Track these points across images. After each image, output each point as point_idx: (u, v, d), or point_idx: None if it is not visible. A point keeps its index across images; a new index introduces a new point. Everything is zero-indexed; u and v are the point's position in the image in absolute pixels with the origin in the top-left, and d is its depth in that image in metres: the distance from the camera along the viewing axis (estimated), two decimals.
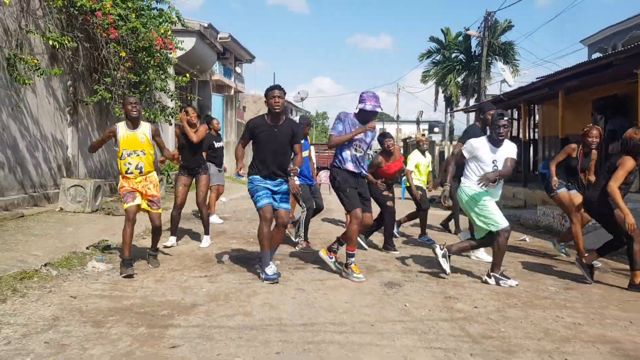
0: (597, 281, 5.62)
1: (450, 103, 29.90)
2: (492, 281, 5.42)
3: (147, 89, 10.90)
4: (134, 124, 5.54)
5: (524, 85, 15.07)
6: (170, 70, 12.40)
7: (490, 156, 5.48)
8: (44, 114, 9.25)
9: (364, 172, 5.78)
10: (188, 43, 15.91)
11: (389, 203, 7.32)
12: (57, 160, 9.72)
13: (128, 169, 5.51)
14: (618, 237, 5.55)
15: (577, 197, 6.49)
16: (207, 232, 7.30)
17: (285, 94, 5.46)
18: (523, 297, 4.93)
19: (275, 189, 5.44)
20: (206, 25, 25.21)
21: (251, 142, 5.54)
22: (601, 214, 5.59)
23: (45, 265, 5.32)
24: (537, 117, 18.23)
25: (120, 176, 5.68)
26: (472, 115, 23.35)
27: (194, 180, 7.14)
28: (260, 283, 5.16)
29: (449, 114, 31.30)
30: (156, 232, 5.85)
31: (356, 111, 5.67)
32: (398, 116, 45.94)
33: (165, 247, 6.95)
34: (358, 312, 4.31)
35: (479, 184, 5.32)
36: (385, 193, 7.30)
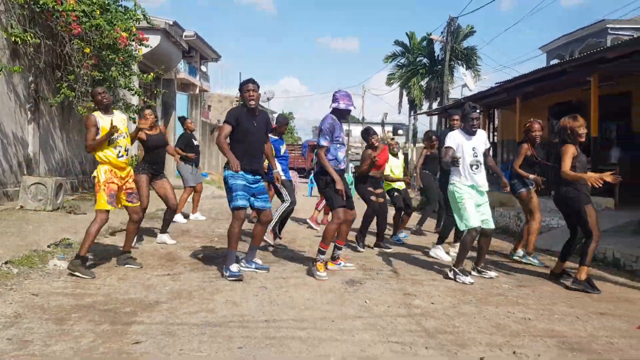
0: (549, 279, 5.90)
1: (414, 106, 30.39)
2: (451, 274, 5.66)
3: (111, 86, 10.79)
4: (106, 111, 5.52)
5: (484, 90, 15.52)
6: (135, 67, 12.30)
7: (469, 145, 5.84)
8: (4, 110, 9.09)
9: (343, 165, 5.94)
10: (153, 41, 15.71)
11: (372, 198, 7.44)
12: (18, 157, 9.55)
13: (119, 152, 5.47)
14: (574, 236, 5.87)
15: (534, 195, 6.87)
16: (163, 232, 7.33)
17: (259, 87, 5.56)
18: (478, 294, 5.14)
19: (253, 186, 5.52)
20: (171, 22, 24.93)
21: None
22: (571, 210, 5.79)
23: (6, 263, 5.26)
24: (496, 121, 18.74)
25: (103, 169, 5.42)
26: (435, 118, 23.82)
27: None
28: (224, 281, 5.23)
29: (412, 117, 31.84)
30: (132, 227, 5.78)
31: (330, 110, 5.82)
32: (363, 118, 46.33)
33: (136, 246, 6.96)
34: (319, 309, 4.43)
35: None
36: (370, 189, 7.43)
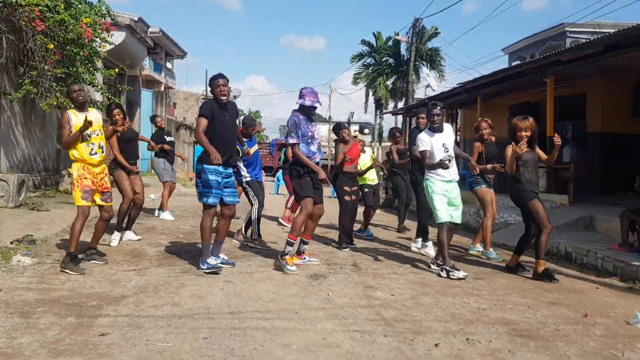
0: (505, 272, 6.16)
1: (380, 105, 30.78)
2: (444, 274, 5.81)
3: (76, 81, 10.68)
4: (81, 109, 5.56)
5: (447, 91, 15.87)
6: (99, 64, 12.19)
7: (439, 142, 6.06)
8: None
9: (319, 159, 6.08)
10: (118, 37, 15.56)
11: (346, 197, 7.58)
12: None
13: (92, 149, 5.50)
14: (528, 231, 6.14)
15: (491, 193, 7.16)
16: (128, 228, 7.27)
17: (228, 81, 5.64)
18: (436, 286, 5.35)
19: (225, 180, 5.62)
20: (136, 18, 24.61)
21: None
22: (520, 206, 6.14)
23: None
24: (459, 122, 19.18)
25: (77, 166, 5.48)
26: (400, 117, 24.17)
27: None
28: (190, 276, 5.31)
29: (378, 116, 32.23)
30: (102, 224, 5.79)
31: (296, 107, 5.95)
32: (330, 117, 46.52)
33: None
34: (283, 301, 4.56)
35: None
36: (346, 188, 7.57)
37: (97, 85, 11.32)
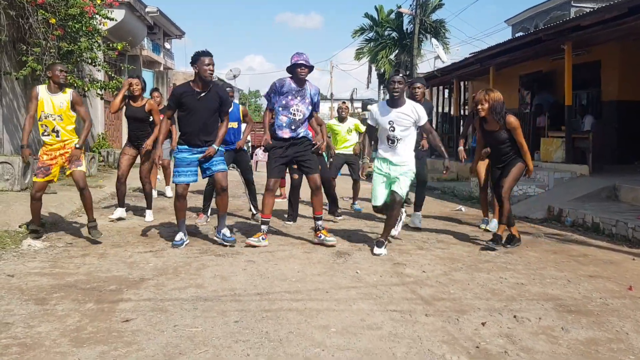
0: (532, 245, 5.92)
1: (383, 80, 30.19)
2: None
3: (78, 60, 10.34)
4: (56, 88, 5.44)
5: (458, 61, 15.48)
6: (100, 42, 11.84)
7: (385, 118, 5.42)
8: None
9: (302, 133, 5.69)
10: (117, 15, 15.14)
11: (294, 175, 7.20)
12: None
13: (45, 131, 5.42)
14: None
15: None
16: (149, 207, 7.13)
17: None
18: (467, 261, 5.11)
19: (201, 155, 5.40)
20: None
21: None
22: None
23: None
24: (467, 94, 18.81)
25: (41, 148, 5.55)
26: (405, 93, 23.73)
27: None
28: (209, 256, 5.07)
29: (382, 91, 31.77)
30: (83, 195, 5.61)
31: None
32: (332, 94, 46.09)
33: (111, 220, 6.77)
34: (311, 280, 4.32)
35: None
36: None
37: (99, 64, 10.99)
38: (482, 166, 6.89)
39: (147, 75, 22.51)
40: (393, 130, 5.41)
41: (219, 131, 5.48)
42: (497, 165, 5.92)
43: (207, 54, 5.31)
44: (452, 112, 18.99)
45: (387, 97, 5.63)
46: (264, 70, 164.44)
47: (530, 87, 14.83)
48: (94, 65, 11.04)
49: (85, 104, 6.61)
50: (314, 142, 5.82)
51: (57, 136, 5.44)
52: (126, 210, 7.24)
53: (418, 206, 7.08)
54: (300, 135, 5.67)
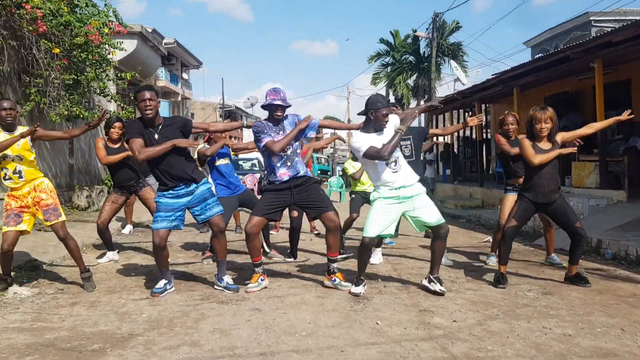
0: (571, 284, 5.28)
1: (402, 105, 29.77)
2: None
3: (86, 90, 10.01)
4: (8, 128, 4.83)
5: (478, 83, 14.93)
6: (111, 72, 11.58)
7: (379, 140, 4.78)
8: None
9: (301, 172, 5.09)
10: (129, 45, 15.01)
11: (293, 213, 6.66)
12: None
13: (5, 174, 4.85)
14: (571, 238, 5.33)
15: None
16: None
17: (158, 95, 4.86)
18: (503, 306, 4.49)
19: (188, 198, 4.88)
20: (151, 30, 24.19)
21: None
22: None
23: None
24: (489, 117, 18.20)
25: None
26: (423, 116, 23.24)
27: (129, 198, 6.59)
28: (211, 304, 4.52)
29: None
30: (66, 246, 5.07)
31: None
32: (349, 120, 45.70)
33: (100, 263, 6.29)
34: (324, 335, 3.75)
35: None
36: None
37: (108, 95, 10.67)
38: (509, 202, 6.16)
39: (163, 105, 22.31)
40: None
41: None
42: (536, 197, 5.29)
43: (145, 88, 4.78)
44: (474, 136, 18.40)
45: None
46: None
47: (556, 108, 14.18)
48: (104, 96, 10.73)
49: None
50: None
51: (21, 177, 4.88)
52: (129, 250, 6.76)
53: None
54: (301, 174, 5.07)
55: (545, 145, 5.23)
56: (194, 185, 4.89)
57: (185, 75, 36.45)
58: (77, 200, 10.91)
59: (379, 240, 6.45)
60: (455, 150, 20.05)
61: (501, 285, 5.17)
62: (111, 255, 6.48)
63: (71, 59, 9.15)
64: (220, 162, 6.38)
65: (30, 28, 8.29)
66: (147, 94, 4.68)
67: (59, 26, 8.66)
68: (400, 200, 4.85)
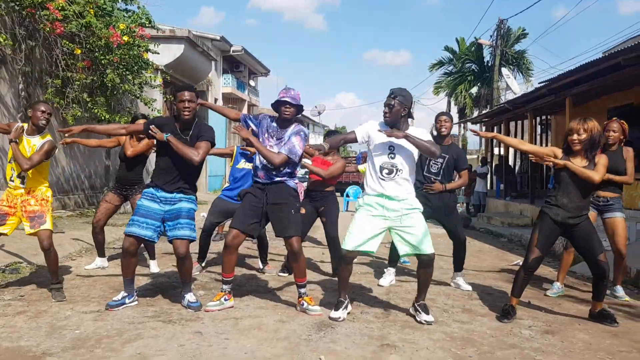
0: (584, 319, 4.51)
1: (464, 115, 28.72)
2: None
3: (115, 92, 10.00)
4: (33, 130, 4.75)
5: (528, 92, 13.87)
6: (157, 79, 11.61)
7: (385, 140, 4.35)
8: None
9: (277, 178, 4.62)
10: (176, 50, 15.12)
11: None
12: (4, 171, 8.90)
13: (12, 175, 4.74)
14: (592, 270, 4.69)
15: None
16: (152, 257, 6.30)
17: (198, 97, 4.57)
18: (484, 345, 3.84)
19: (166, 208, 4.51)
20: (218, 37, 24.55)
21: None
22: None
23: None
24: (550, 133, 16.99)
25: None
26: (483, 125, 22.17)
27: (124, 202, 6.35)
28: (155, 323, 4.14)
29: (461, 127, 30.15)
30: (47, 257, 4.83)
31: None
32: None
33: (86, 269, 6.11)
34: None
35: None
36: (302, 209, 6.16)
37: (139, 97, 10.64)
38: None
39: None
40: (393, 157, 4.35)
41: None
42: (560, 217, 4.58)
43: (186, 87, 4.54)
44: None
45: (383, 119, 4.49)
46: (352, 107, 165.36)
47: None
48: (136, 97, 10.72)
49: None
50: (296, 191, 4.71)
51: (22, 183, 4.74)
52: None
53: (458, 266, 5.89)
54: (276, 179, 4.62)
55: (579, 161, 4.52)
56: (178, 196, 4.55)
57: (252, 82, 36.95)
58: None
59: (394, 260, 5.92)
60: (511, 163, 18.88)
61: (505, 320, 4.50)
62: (100, 262, 6.26)
63: (94, 60, 9.14)
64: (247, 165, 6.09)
65: (47, 29, 8.31)
66: (187, 95, 4.46)
67: (81, 27, 8.66)
68: (384, 212, 4.34)
